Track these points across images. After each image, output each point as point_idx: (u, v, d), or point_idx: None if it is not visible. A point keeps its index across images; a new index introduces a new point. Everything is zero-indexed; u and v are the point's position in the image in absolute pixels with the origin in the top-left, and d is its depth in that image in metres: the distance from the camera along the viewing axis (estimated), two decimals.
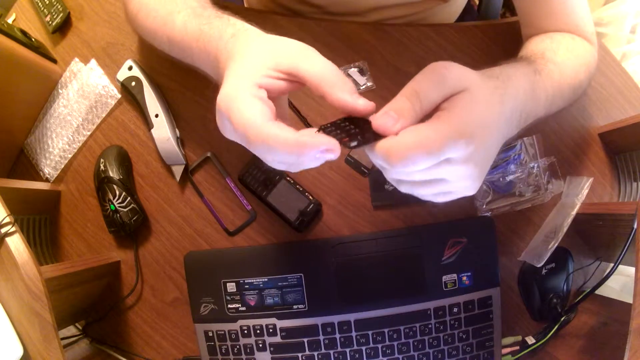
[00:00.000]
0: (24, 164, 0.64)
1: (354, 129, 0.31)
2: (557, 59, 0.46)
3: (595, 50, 0.53)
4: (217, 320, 0.57)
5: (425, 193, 0.35)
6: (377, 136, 0.31)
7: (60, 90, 0.63)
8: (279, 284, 0.56)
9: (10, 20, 0.65)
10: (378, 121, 0.31)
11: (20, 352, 0.43)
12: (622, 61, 1.07)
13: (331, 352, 0.56)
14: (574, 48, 0.50)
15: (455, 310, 0.55)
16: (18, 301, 0.43)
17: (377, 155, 0.31)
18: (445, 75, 0.32)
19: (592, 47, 0.52)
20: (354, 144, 0.30)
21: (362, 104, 0.32)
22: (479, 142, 0.32)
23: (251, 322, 0.56)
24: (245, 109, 0.31)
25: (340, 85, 0.32)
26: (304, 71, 0.33)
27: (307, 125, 0.58)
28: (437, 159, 0.30)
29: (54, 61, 0.63)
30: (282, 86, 0.34)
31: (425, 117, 0.32)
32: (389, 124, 0.30)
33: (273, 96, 0.34)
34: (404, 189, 0.35)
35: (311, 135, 0.30)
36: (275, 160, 0.33)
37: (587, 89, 0.56)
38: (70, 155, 0.62)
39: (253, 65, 0.34)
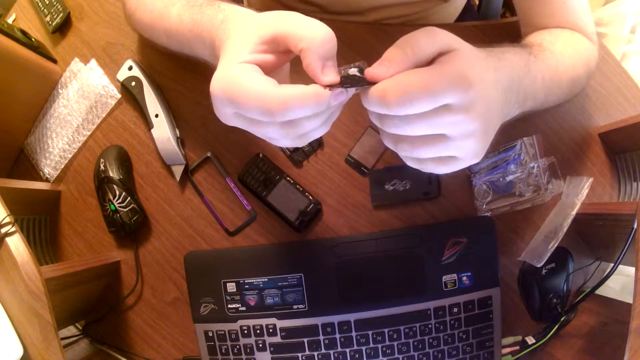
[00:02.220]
0: (24, 164, 0.64)
1: (350, 81, 0.32)
2: (554, 49, 0.46)
3: (595, 49, 0.53)
4: (217, 320, 0.57)
5: (425, 155, 0.34)
6: (372, 84, 0.31)
7: (60, 90, 0.63)
8: (279, 284, 0.56)
9: (10, 20, 0.65)
10: (372, 71, 0.31)
11: (20, 352, 0.43)
12: (622, 61, 1.07)
13: (331, 352, 0.56)
14: (572, 42, 0.50)
15: (455, 310, 0.55)
16: (18, 301, 0.43)
17: (373, 97, 0.31)
18: (438, 31, 0.32)
19: (592, 46, 0.52)
20: (347, 85, 0.31)
21: (325, 80, 0.31)
22: (479, 93, 0.31)
23: (251, 322, 0.56)
24: (252, 83, 0.31)
25: (317, 48, 0.31)
26: (283, 29, 0.32)
27: None
28: (434, 99, 0.30)
29: (54, 61, 0.63)
30: (271, 59, 0.34)
31: None
32: (381, 72, 0.31)
33: (268, 71, 0.34)
34: (403, 149, 0.34)
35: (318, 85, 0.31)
36: (291, 119, 0.32)
37: (587, 88, 0.56)
38: (70, 155, 0.62)
39: (240, 44, 0.34)
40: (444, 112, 0.31)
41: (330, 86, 0.31)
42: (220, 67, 0.34)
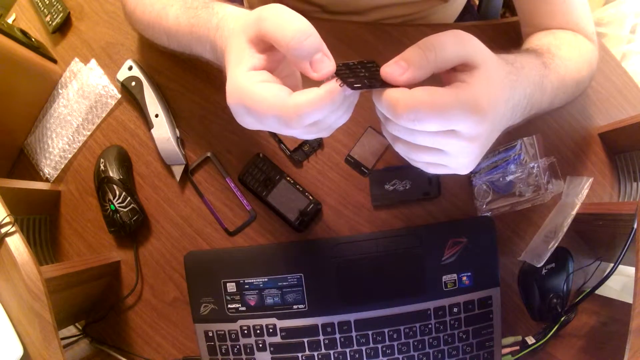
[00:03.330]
0: (24, 164, 0.64)
1: (363, 73, 0.30)
2: (562, 54, 0.46)
3: (596, 49, 0.53)
4: (217, 320, 0.57)
5: (419, 159, 0.34)
6: (385, 84, 0.30)
7: (60, 90, 0.63)
8: (279, 284, 0.56)
9: (10, 20, 0.65)
10: (386, 69, 0.30)
11: (20, 352, 0.43)
12: (622, 61, 1.07)
13: (331, 352, 0.56)
14: (576, 45, 0.50)
15: (455, 310, 0.55)
16: (18, 301, 0.43)
17: (384, 102, 0.30)
18: (466, 39, 0.31)
19: (593, 46, 0.52)
20: (357, 85, 0.29)
21: (319, 75, 0.30)
22: (490, 123, 0.31)
23: (251, 322, 0.56)
24: (264, 94, 0.31)
25: (296, 50, 0.30)
26: (264, 32, 0.31)
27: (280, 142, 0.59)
28: (444, 124, 0.30)
29: (54, 61, 0.63)
30: (270, 57, 0.33)
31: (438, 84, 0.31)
32: (396, 73, 0.30)
33: (275, 66, 0.34)
34: (399, 148, 0.34)
35: (331, 83, 0.30)
36: (311, 123, 0.31)
37: (587, 88, 0.56)
38: (70, 155, 0.62)
39: (238, 50, 0.33)
40: (449, 135, 0.31)
41: (341, 82, 0.30)
42: (230, 78, 0.33)
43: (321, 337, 0.55)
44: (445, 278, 0.55)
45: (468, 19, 0.80)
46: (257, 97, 0.31)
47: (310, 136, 0.34)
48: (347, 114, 0.33)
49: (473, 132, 0.31)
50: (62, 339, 0.58)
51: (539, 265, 0.53)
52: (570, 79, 0.47)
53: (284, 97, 0.30)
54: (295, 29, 0.30)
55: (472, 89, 0.30)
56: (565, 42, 0.49)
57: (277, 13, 0.31)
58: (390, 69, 0.30)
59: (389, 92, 0.30)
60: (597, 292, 0.51)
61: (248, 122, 0.33)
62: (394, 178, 0.57)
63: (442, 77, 0.33)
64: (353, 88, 0.29)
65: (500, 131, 0.36)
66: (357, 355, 0.56)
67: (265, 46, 0.33)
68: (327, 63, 0.30)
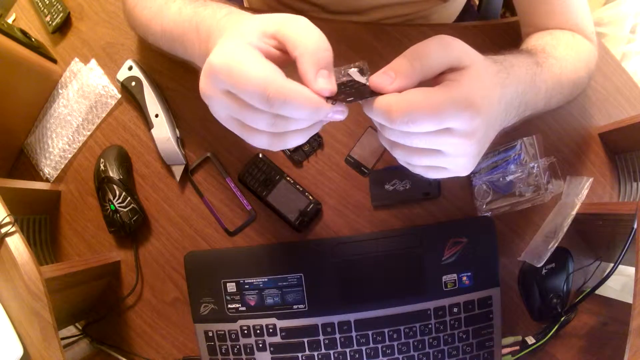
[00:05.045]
0: (24, 164, 0.64)
1: (349, 90, 0.31)
2: (557, 54, 0.46)
3: (595, 49, 0.53)
4: (217, 320, 0.57)
5: (418, 163, 0.35)
6: (374, 94, 0.30)
7: (60, 90, 0.63)
8: (279, 284, 0.56)
9: (10, 20, 0.65)
10: (375, 79, 0.30)
11: (20, 352, 0.43)
12: (622, 61, 1.07)
13: (331, 352, 0.56)
14: (574, 45, 0.50)
15: (455, 310, 0.55)
16: (18, 301, 0.43)
17: (377, 110, 0.30)
18: (452, 43, 0.32)
19: (592, 46, 0.52)
20: (349, 99, 0.30)
21: (317, 86, 0.29)
22: (484, 119, 0.31)
23: (251, 322, 0.56)
24: (260, 65, 0.30)
25: (311, 56, 0.30)
26: (284, 32, 0.31)
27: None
28: (439, 123, 0.30)
29: (54, 61, 0.63)
30: (273, 53, 0.33)
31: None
32: (385, 82, 0.30)
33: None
34: (398, 154, 0.35)
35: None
36: (285, 115, 0.30)
37: (587, 89, 0.56)
38: (70, 155, 0.62)
39: (247, 30, 0.33)
40: (445, 134, 0.31)
41: (333, 99, 0.30)
42: (225, 43, 0.32)
43: (321, 337, 0.55)
44: (445, 278, 0.55)
45: (468, 19, 0.80)
46: (252, 66, 0.29)
47: (263, 138, 0.33)
48: (308, 133, 0.33)
49: (468, 128, 0.31)
50: (62, 339, 0.58)
51: (539, 265, 0.53)
52: (567, 79, 0.47)
53: (279, 75, 0.30)
54: (319, 38, 0.31)
55: (463, 85, 0.30)
56: (562, 42, 0.49)
57: (303, 22, 0.32)
58: (379, 79, 0.30)
59: (382, 98, 0.30)
60: (597, 292, 0.51)
61: (216, 88, 0.31)
62: (394, 178, 0.57)
63: (431, 83, 0.33)
64: (346, 102, 0.30)
65: (496, 130, 0.36)
66: (357, 355, 0.56)
67: (274, 45, 0.33)
68: (329, 81, 0.30)
